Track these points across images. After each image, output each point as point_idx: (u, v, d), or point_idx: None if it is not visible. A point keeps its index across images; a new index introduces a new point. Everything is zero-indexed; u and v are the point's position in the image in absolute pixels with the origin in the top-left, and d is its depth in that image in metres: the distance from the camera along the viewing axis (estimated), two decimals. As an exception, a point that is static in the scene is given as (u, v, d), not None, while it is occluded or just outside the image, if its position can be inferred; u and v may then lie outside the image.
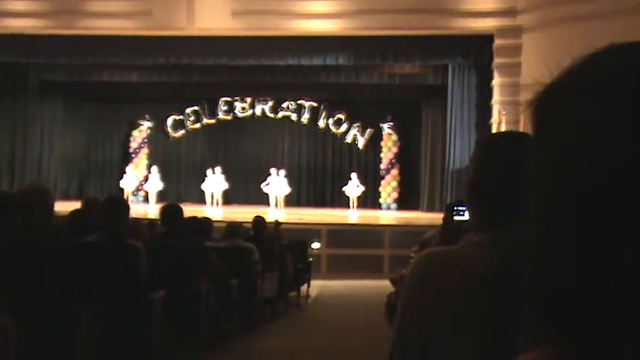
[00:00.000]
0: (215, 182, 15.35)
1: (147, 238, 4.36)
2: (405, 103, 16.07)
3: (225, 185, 15.27)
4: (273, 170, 15.36)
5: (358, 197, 15.41)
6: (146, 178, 16.50)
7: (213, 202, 15.30)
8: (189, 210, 13.51)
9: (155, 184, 16.08)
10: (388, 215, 15.20)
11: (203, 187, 15.51)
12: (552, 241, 0.44)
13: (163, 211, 4.50)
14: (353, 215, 14.40)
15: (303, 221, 11.78)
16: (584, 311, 0.43)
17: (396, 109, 16.43)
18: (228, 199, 15.96)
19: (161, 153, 17.74)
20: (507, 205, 1.04)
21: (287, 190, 15.23)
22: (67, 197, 15.27)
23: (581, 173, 0.43)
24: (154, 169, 16.39)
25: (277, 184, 15.18)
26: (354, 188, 15.49)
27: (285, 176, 15.40)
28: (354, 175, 15.57)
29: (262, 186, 15.24)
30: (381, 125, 16.88)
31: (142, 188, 16.53)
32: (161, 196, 16.58)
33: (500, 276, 0.94)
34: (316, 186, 17.40)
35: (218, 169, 15.41)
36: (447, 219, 2.35)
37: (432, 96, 15.38)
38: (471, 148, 1.17)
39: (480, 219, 1.09)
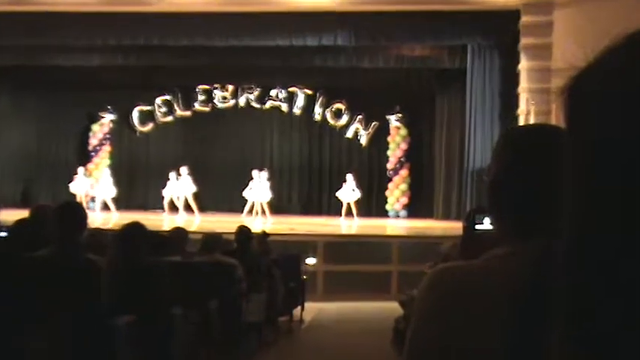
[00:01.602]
0: (181, 185, 15.23)
1: (111, 253, 4.35)
2: (415, 92, 16.11)
3: (193, 188, 15.18)
4: (255, 172, 15.31)
5: (356, 203, 15.40)
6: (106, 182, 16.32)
7: (178, 208, 15.21)
8: (160, 219, 13.39)
9: (105, 189, 15.89)
10: (396, 224, 15.20)
11: (164, 192, 15.45)
12: (593, 249, 0.44)
13: (118, 236, 4.47)
14: (354, 225, 14.41)
15: (296, 232, 11.77)
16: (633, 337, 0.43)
17: (406, 99, 16.47)
18: (207, 205, 15.94)
19: (126, 151, 17.72)
20: (537, 211, 1.03)
21: (267, 195, 15.16)
22: (12, 204, 15.22)
23: (628, 168, 0.43)
24: (106, 171, 16.30)
25: (258, 188, 15.15)
26: (349, 192, 15.47)
27: (269, 179, 15.36)
28: (349, 177, 15.55)
29: (245, 192, 15.19)
30: (387, 117, 16.90)
31: (92, 194, 16.17)
32: (125, 202, 16.53)
33: (529, 297, 0.94)
34: (311, 190, 17.42)
35: (184, 170, 15.29)
36: (468, 228, 2.36)
37: (447, 83, 15.40)
38: (494, 144, 1.19)
39: (505, 228, 1.09)
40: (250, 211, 14.94)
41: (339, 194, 15.54)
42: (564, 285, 0.47)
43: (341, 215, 15.23)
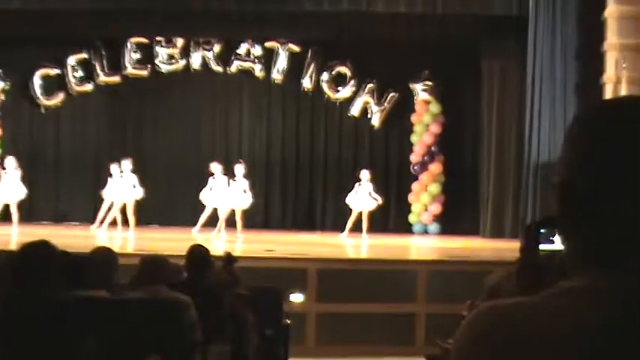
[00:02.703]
0: (122, 186, 15.17)
1: (2, 285, 4.36)
2: (453, 50, 16.14)
3: (139, 192, 15.14)
4: (215, 166, 15.20)
5: (371, 213, 15.39)
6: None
7: (120, 220, 15.19)
8: (76, 235, 13.29)
9: (12, 189, 15.80)
10: (424, 244, 15.19)
11: (105, 193, 15.36)
12: None
13: (15, 260, 4.47)
14: (362, 244, 14.43)
15: (276, 254, 11.78)
16: None
17: (439, 60, 16.50)
18: (145, 215, 15.89)
19: (25, 135, 17.65)
20: (628, 225, 1.04)
21: (246, 200, 15.15)
22: None
23: None
24: (11, 161, 16.20)
25: (227, 191, 15.09)
26: (364, 198, 15.45)
27: (245, 176, 15.33)
28: (364, 175, 15.55)
29: (202, 195, 15.15)
30: (411, 86, 16.93)
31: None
32: (25, 212, 16.43)
33: (614, 346, 0.95)
34: (298, 193, 17.42)
35: (126, 165, 15.19)
36: (528, 250, 2.36)
37: (500, 37, 15.44)
38: (567, 128, 1.18)
39: (581, 249, 1.10)
40: (213, 225, 14.85)
41: (350, 201, 15.40)
42: None
43: (343, 230, 15.21)
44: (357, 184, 15.47)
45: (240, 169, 15.14)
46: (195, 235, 13.85)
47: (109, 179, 15.19)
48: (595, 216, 1.09)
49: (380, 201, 15.45)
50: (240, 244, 13.26)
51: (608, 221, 1.07)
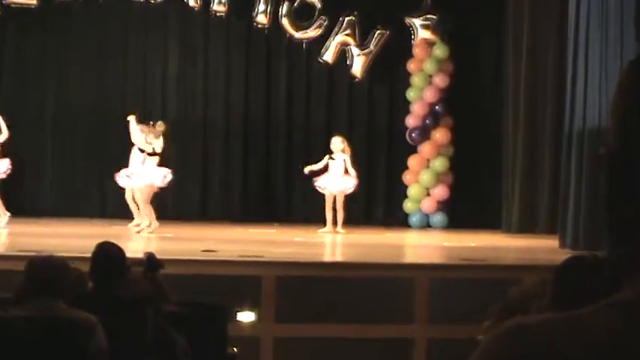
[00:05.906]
0: None
1: None
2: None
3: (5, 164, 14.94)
4: (132, 121, 14.82)
5: (348, 197, 15.28)
6: None
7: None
8: None
9: None
10: (425, 242, 15.24)
11: None
12: None
13: None
14: (337, 243, 14.48)
15: (217, 257, 11.80)
16: None
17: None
18: (24, 200, 15.83)
19: None
20: None
21: (154, 175, 14.78)
22: None
23: None
24: None
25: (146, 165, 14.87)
26: (335, 176, 15.40)
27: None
28: (336, 143, 15.48)
29: (120, 179, 14.89)
30: (408, 22, 16.99)
31: None
32: None
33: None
34: (249, 173, 17.41)
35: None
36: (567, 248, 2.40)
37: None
38: (619, 82, 1.18)
39: (636, 249, 1.12)
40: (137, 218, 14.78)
41: (318, 182, 15.18)
42: None
43: (314, 222, 15.15)
44: (327, 157, 15.41)
45: (157, 129, 14.53)
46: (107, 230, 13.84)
47: None
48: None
49: (354, 180, 15.26)
50: (167, 243, 13.23)
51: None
